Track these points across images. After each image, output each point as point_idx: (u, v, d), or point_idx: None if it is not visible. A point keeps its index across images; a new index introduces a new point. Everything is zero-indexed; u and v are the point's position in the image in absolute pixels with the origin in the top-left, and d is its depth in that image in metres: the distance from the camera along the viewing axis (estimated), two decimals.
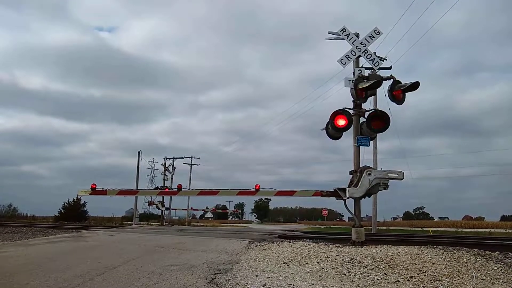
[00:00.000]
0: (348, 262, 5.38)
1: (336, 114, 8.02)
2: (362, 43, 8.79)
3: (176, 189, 11.16)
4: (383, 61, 9.72)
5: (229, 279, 4.65)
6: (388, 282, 4.46)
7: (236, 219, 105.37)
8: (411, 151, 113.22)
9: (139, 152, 40.14)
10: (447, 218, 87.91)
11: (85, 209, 46.54)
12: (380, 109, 8.24)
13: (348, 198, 7.77)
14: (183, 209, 49.15)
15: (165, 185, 37.05)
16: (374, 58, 8.89)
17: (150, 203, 38.99)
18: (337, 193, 8.05)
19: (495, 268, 5.10)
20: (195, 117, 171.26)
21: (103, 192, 8.87)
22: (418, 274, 4.68)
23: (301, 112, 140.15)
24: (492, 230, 33.06)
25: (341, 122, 8.00)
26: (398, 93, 7.86)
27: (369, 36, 8.81)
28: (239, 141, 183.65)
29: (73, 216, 42.14)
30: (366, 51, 8.79)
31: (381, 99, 11.50)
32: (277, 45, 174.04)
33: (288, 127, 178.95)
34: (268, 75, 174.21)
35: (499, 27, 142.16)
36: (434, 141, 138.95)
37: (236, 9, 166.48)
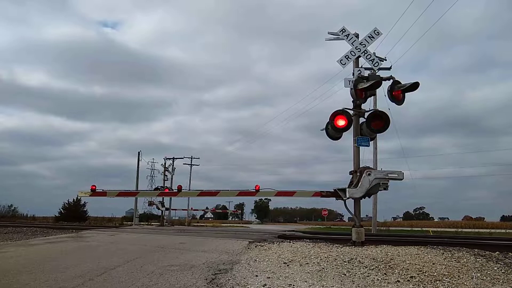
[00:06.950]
0: (348, 262, 5.38)
1: (336, 114, 8.01)
2: (362, 44, 8.78)
3: (176, 190, 11.17)
4: (382, 61, 9.70)
5: (229, 279, 4.65)
6: (388, 282, 4.47)
7: (236, 219, 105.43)
8: (416, 150, 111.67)
9: (139, 152, 40.22)
10: (447, 218, 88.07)
11: (85, 209, 46.48)
12: (380, 109, 8.25)
13: (348, 198, 7.77)
14: (183, 210, 49.14)
15: (165, 185, 37.00)
16: (374, 59, 8.88)
17: (150, 204, 38.93)
18: (337, 194, 8.06)
19: (495, 268, 5.10)
20: (199, 116, 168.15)
21: (103, 194, 8.88)
22: (418, 274, 4.69)
23: (305, 110, 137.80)
24: (492, 230, 33.05)
25: (341, 122, 8.00)
26: (398, 93, 7.86)
27: (369, 37, 8.80)
28: (242, 140, 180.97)
29: (73, 216, 42.08)
30: (365, 52, 8.79)
31: (381, 99, 11.46)
32: (287, 41, 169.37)
33: (291, 125, 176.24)
34: (276, 72, 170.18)
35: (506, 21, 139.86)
36: (438, 140, 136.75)
37: (245, 2, 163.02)
